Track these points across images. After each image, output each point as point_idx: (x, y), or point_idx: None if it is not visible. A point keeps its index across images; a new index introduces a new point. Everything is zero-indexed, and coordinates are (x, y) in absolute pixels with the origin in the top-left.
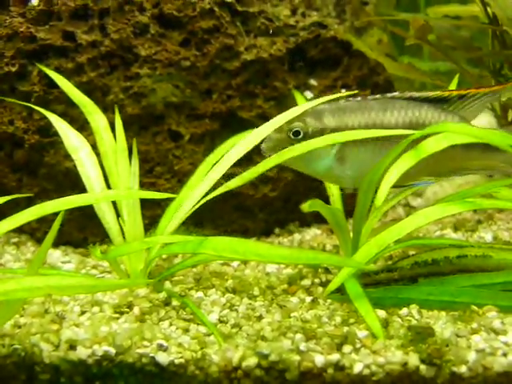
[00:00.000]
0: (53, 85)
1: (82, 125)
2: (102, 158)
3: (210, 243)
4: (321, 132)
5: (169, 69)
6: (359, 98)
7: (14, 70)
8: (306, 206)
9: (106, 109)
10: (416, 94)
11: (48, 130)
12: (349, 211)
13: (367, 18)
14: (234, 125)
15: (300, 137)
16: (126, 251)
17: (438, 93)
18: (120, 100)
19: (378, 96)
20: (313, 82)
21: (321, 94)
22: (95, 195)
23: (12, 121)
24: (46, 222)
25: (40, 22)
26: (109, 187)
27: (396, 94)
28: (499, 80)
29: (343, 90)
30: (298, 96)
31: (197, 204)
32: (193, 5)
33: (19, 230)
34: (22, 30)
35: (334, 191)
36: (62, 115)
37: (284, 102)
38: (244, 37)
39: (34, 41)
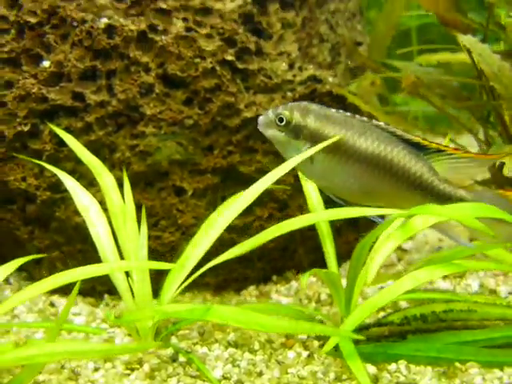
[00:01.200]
0: (63, 143)
1: (90, 181)
2: (110, 217)
3: (215, 312)
4: (301, 128)
5: (173, 127)
6: (348, 114)
7: (26, 129)
8: (304, 280)
9: (114, 166)
10: (399, 132)
11: (59, 187)
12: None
13: (361, 60)
14: (234, 179)
15: (283, 124)
16: (137, 317)
17: (418, 138)
18: (127, 158)
19: (365, 119)
20: None
21: None
22: (109, 266)
23: (24, 178)
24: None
25: (51, 83)
26: (118, 247)
27: (382, 124)
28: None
29: None
30: None
31: (201, 269)
32: (195, 65)
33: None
34: (34, 91)
35: (329, 249)
36: (72, 172)
37: (281, 156)
38: (244, 94)
39: (45, 101)
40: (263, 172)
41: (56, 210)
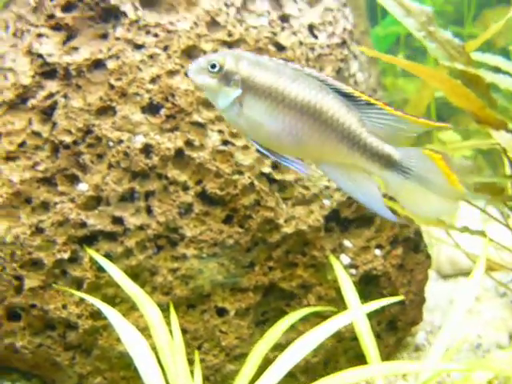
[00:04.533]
0: (104, 268)
1: (132, 305)
2: (158, 352)
3: None
4: (233, 74)
5: (214, 248)
6: (282, 61)
7: (66, 256)
8: None
9: (155, 289)
10: (330, 81)
11: (101, 314)
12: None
13: None
14: (275, 295)
15: (215, 70)
16: None
17: (350, 89)
18: (168, 282)
19: (298, 67)
20: (347, 243)
21: (356, 256)
22: None
23: (65, 305)
24: None
25: (89, 207)
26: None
27: (314, 72)
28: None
29: (377, 251)
30: (334, 262)
31: None
32: (234, 182)
33: None
34: (72, 216)
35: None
36: (113, 297)
37: (322, 269)
38: (283, 207)
39: (84, 226)
40: (304, 287)
41: (98, 338)
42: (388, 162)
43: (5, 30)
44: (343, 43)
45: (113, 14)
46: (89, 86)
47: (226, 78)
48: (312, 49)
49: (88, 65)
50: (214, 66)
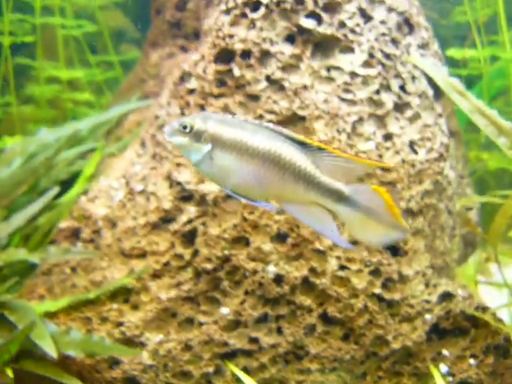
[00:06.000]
0: (242, 381)
1: None
2: None
3: None
4: (202, 132)
5: (333, 363)
6: (242, 118)
7: (211, 370)
8: None
9: None
10: (285, 132)
11: None
12: None
13: (476, 233)
14: None
15: (187, 130)
16: None
17: (303, 137)
18: None
19: (257, 122)
20: (445, 352)
21: (453, 365)
22: None
23: None
24: None
25: (230, 329)
26: None
27: (271, 125)
28: None
29: (472, 361)
30: (434, 371)
31: None
32: (351, 306)
33: None
34: (216, 336)
35: None
36: None
37: (424, 378)
38: (391, 324)
39: (226, 345)
40: None
41: None
42: (339, 198)
43: (140, 147)
44: (440, 156)
45: None
46: (224, 215)
47: (196, 136)
48: (413, 165)
49: (223, 196)
50: (185, 127)
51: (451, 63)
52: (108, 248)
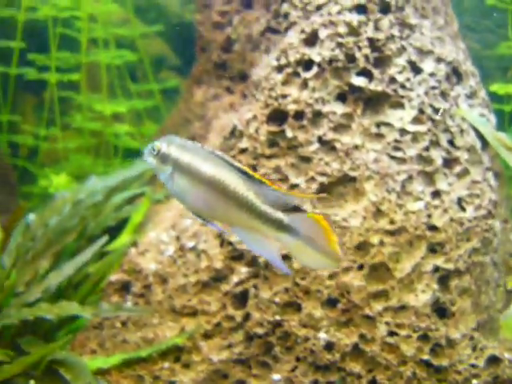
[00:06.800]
0: None
1: None
2: None
3: None
4: (166, 156)
5: None
6: (199, 145)
7: None
8: None
9: None
10: (233, 162)
11: None
12: None
13: None
14: None
15: (155, 153)
16: None
17: (247, 168)
18: None
19: (210, 149)
20: None
21: None
22: None
23: None
24: None
25: None
26: None
27: (221, 154)
28: None
29: None
30: None
31: None
32: (400, 373)
33: None
34: None
35: None
36: None
37: None
38: None
39: None
40: None
41: None
42: (280, 226)
43: None
44: (489, 213)
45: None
46: (275, 278)
47: (162, 158)
48: (461, 223)
49: None
50: (154, 150)
51: (494, 98)
52: (159, 304)
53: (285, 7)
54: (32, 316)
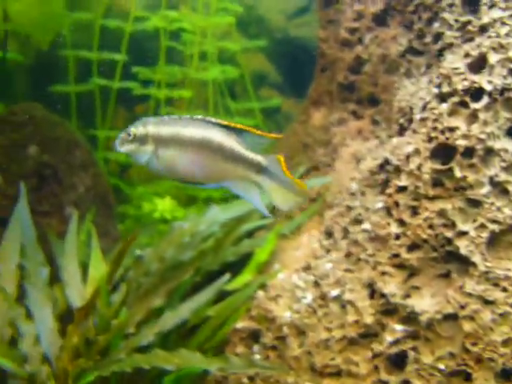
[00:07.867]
0: None
1: None
2: None
3: None
4: (144, 136)
5: None
6: (176, 116)
7: None
8: None
9: None
10: (212, 119)
11: None
12: None
13: None
14: None
15: (131, 138)
16: None
17: (227, 122)
18: None
19: (187, 116)
20: None
21: None
22: None
23: None
24: None
25: None
26: None
27: (199, 116)
28: None
29: None
30: None
31: None
32: None
33: None
34: None
35: None
36: None
37: None
38: None
39: None
40: None
41: None
42: (260, 169)
43: (325, 236)
44: None
45: (456, 258)
46: (438, 340)
47: (141, 140)
48: None
49: (438, 318)
50: (129, 135)
51: None
52: (295, 361)
53: (436, 26)
54: (147, 365)
